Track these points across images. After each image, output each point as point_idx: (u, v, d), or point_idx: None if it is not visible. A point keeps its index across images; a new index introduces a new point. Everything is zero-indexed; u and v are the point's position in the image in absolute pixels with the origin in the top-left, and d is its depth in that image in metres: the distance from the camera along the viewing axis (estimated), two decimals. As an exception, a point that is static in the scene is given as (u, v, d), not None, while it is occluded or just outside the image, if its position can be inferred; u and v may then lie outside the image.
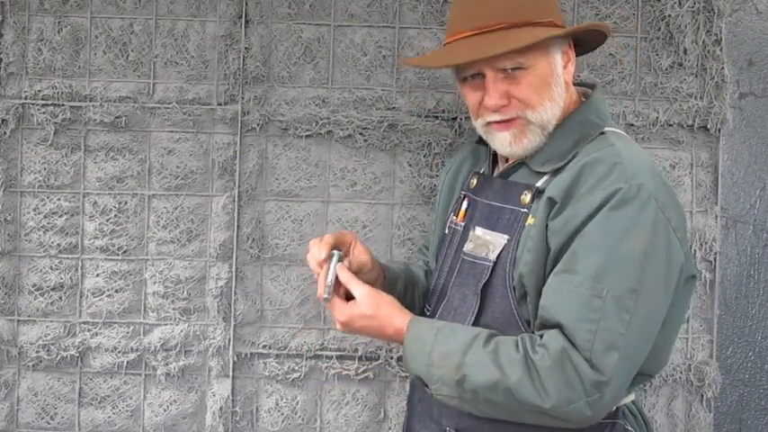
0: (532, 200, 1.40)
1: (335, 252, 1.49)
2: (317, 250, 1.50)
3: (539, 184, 1.42)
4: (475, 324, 1.42)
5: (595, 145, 1.40)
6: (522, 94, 1.40)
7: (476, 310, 1.42)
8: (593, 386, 1.26)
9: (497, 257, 1.41)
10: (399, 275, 1.66)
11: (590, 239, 1.30)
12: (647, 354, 1.34)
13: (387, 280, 1.62)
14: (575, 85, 1.52)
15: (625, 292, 1.28)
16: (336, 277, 1.46)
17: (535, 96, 1.40)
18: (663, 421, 2.05)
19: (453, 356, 1.33)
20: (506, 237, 1.41)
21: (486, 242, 1.44)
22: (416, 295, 1.69)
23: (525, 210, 1.40)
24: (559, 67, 1.43)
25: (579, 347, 1.27)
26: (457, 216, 1.58)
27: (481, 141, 1.64)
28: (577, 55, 1.53)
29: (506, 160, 1.55)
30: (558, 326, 1.29)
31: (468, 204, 1.56)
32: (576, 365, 1.26)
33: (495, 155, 1.58)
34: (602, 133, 1.43)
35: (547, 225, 1.35)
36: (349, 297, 1.47)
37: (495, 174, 1.55)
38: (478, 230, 1.48)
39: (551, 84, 1.41)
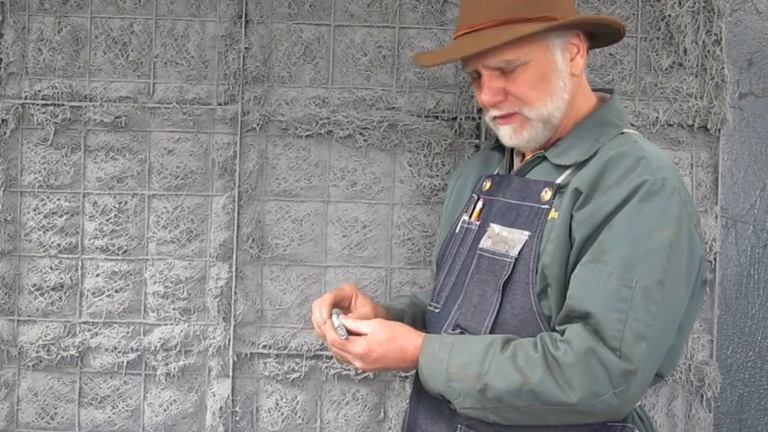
0: (553, 196, 1.40)
1: (335, 311, 1.49)
2: (318, 312, 1.51)
3: (559, 180, 1.42)
4: (495, 321, 1.41)
5: (618, 142, 1.41)
6: (517, 90, 1.41)
7: (497, 307, 1.41)
8: (621, 376, 1.27)
9: (519, 253, 1.40)
10: (404, 312, 1.66)
11: (618, 231, 1.31)
12: (667, 348, 1.35)
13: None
14: (592, 90, 1.53)
15: (653, 283, 1.29)
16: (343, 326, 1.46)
17: (533, 92, 1.41)
18: (663, 421, 2.05)
19: (471, 367, 1.33)
20: (527, 233, 1.41)
21: (505, 238, 1.44)
22: (426, 324, 1.68)
23: (546, 206, 1.40)
24: (560, 61, 1.42)
25: (607, 337, 1.27)
26: (470, 216, 1.57)
27: (496, 147, 1.64)
28: (596, 47, 1.54)
29: (522, 158, 1.55)
30: (586, 315, 1.29)
31: (484, 204, 1.55)
32: (601, 359, 1.27)
33: (512, 153, 1.58)
34: (622, 133, 1.44)
35: (572, 216, 1.36)
36: None
37: (512, 172, 1.55)
38: (495, 227, 1.47)
39: (551, 78, 1.42)
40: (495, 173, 1.59)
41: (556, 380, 1.28)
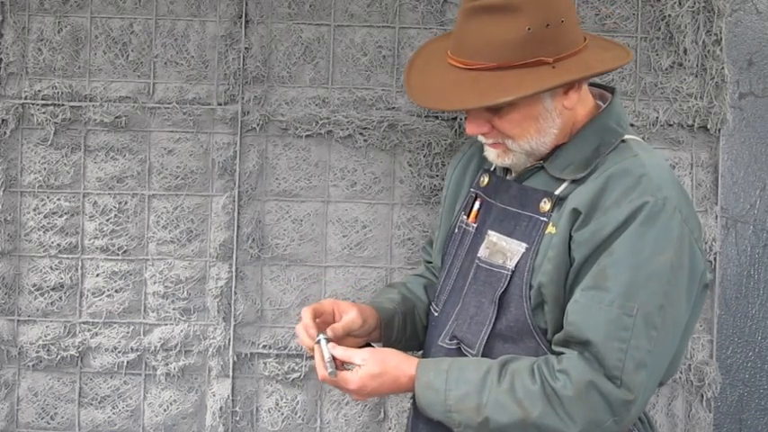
0: (552, 208, 1.39)
1: (320, 337, 1.46)
2: (304, 337, 1.48)
3: (558, 191, 1.40)
4: (491, 332, 1.41)
5: (618, 155, 1.39)
6: (502, 127, 1.40)
7: (493, 319, 1.41)
8: (621, 405, 1.28)
9: (516, 266, 1.40)
10: (395, 312, 1.62)
11: (619, 256, 1.30)
12: (667, 365, 1.36)
13: (382, 323, 1.59)
14: (591, 85, 1.50)
15: (654, 309, 1.29)
16: (333, 357, 1.43)
17: (517, 130, 1.39)
18: (663, 421, 2.05)
19: (470, 399, 1.33)
20: (525, 245, 1.40)
21: (503, 249, 1.43)
22: (417, 319, 1.66)
23: (545, 218, 1.39)
24: (548, 102, 1.38)
25: (608, 366, 1.27)
26: (468, 216, 1.55)
27: None
28: None
29: None
30: (586, 343, 1.29)
31: (481, 205, 1.54)
32: (601, 391, 1.27)
33: None
34: (623, 141, 1.42)
35: (571, 236, 1.35)
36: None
37: (508, 176, 1.53)
38: (493, 236, 1.46)
39: (538, 118, 1.39)
40: (493, 169, 1.57)
41: (556, 412, 1.29)
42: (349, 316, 1.52)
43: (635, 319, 1.28)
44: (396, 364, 1.41)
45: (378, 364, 1.40)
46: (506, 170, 1.54)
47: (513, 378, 1.32)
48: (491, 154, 1.46)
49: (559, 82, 1.34)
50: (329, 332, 1.48)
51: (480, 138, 1.46)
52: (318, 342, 1.45)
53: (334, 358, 1.43)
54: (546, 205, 1.40)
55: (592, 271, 1.32)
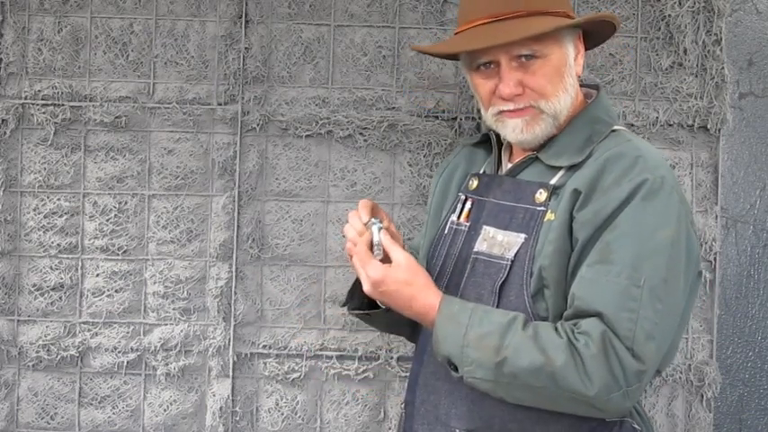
0: (549, 197, 1.40)
1: (375, 220, 1.45)
2: (357, 219, 1.47)
3: (553, 181, 1.41)
4: None
5: (612, 141, 1.41)
6: (536, 83, 1.41)
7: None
8: (634, 376, 1.27)
9: (515, 256, 1.40)
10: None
11: (624, 230, 1.31)
12: (669, 345, 1.36)
13: None
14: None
15: (659, 282, 1.30)
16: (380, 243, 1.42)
17: (549, 86, 1.41)
18: (663, 421, 2.05)
19: (491, 338, 1.31)
20: (523, 235, 1.40)
21: (500, 242, 1.43)
22: None
23: (542, 208, 1.40)
24: (571, 57, 1.44)
25: (621, 336, 1.27)
26: (459, 217, 1.55)
27: (478, 144, 1.64)
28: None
29: (509, 157, 1.55)
30: (597, 315, 1.29)
31: (473, 204, 1.54)
32: (618, 354, 1.27)
33: (500, 152, 1.57)
34: (613, 130, 1.45)
35: (573, 217, 1.35)
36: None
37: (499, 171, 1.53)
38: (490, 230, 1.46)
39: (564, 74, 1.42)
40: (482, 171, 1.57)
41: (577, 369, 1.27)
42: (397, 233, 1.53)
43: (642, 290, 1.28)
44: (423, 284, 1.39)
45: (409, 273, 1.39)
46: (498, 167, 1.55)
47: (536, 328, 1.32)
48: (516, 127, 1.44)
49: (587, 18, 1.42)
50: (386, 222, 1.47)
51: (504, 106, 1.43)
52: (370, 225, 1.44)
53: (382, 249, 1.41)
54: (541, 196, 1.41)
55: (596, 247, 1.32)
